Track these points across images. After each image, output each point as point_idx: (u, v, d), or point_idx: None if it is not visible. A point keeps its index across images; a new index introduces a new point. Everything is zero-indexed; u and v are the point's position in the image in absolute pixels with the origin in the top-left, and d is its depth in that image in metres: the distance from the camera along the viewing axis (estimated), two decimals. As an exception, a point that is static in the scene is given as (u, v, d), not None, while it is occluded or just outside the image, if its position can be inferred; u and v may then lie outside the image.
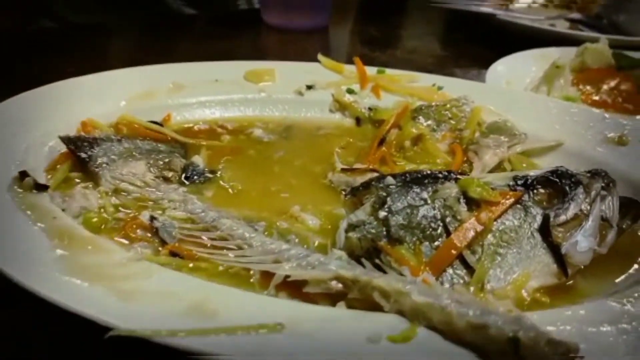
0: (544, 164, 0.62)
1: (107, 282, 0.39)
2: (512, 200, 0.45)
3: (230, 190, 0.56)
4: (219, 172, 0.58)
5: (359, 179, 0.56)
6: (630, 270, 0.47)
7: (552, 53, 0.94)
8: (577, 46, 0.94)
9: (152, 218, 0.49)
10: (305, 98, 0.72)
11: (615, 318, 0.39)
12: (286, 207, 0.53)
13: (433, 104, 0.68)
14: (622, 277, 0.47)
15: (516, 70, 0.87)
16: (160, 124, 0.66)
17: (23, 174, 0.50)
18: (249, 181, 0.58)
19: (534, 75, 0.88)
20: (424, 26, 1.14)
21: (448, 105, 0.68)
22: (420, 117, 0.67)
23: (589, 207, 0.46)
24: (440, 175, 0.49)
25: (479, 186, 0.46)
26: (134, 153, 0.58)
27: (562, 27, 1.10)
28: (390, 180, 0.48)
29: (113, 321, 0.35)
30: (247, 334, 0.35)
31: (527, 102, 0.70)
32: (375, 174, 0.56)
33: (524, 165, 0.62)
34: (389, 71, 0.76)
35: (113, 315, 0.35)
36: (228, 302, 0.38)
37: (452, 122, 0.67)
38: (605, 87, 0.85)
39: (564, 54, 0.93)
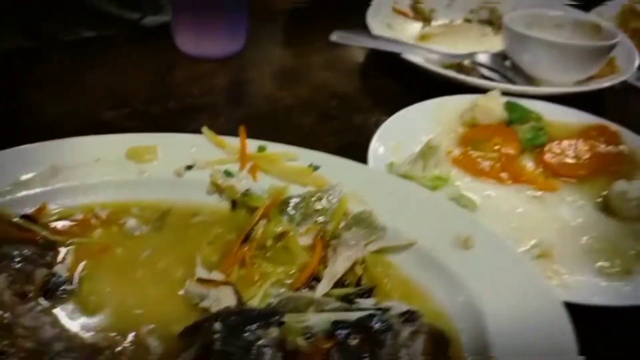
0: (397, 261, 0.67)
1: None
2: (322, 354, 0.50)
3: (86, 306, 0.59)
4: (81, 284, 0.61)
5: (213, 293, 0.60)
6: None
7: (447, 104, 0.96)
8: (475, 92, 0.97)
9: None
10: (184, 179, 0.74)
11: None
12: (138, 327, 0.57)
13: (303, 194, 0.71)
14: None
15: (407, 129, 0.89)
16: (33, 218, 0.67)
17: None
18: (110, 292, 0.61)
19: (427, 131, 0.91)
20: (342, 54, 1.14)
21: (316, 197, 0.71)
22: (289, 208, 0.70)
23: (396, 352, 0.51)
24: (267, 317, 0.52)
25: (294, 338, 0.50)
26: (-2, 263, 0.60)
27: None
28: (217, 326, 0.52)
29: None
30: None
31: (395, 189, 0.73)
32: (229, 290, 0.60)
33: (379, 268, 0.65)
34: (270, 146, 0.78)
35: None
36: None
37: (318, 214, 0.70)
38: (488, 149, 0.88)
39: (460, 105, 0.96)
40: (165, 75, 1.05)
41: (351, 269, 0.65)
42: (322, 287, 0.62)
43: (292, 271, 0.65)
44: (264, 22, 1.28)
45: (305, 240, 0.68)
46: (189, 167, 0.75)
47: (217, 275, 0.62)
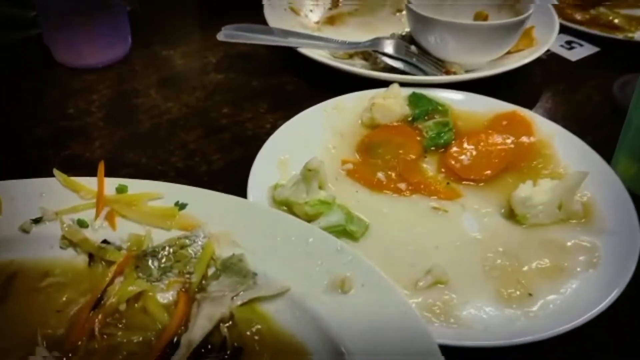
0: (270, 311, 0.60)
1: None
2: None
3: None
4: None
5: (49, 382, 0.52)
6: None
7: (345, 104, 0.87)
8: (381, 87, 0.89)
9: None
10: (32, 235, 0.65)
11: None
12: None
13: (160, 245, 0.63)
14: None
15: (299, 138, 0.81)
16: None
17: None
18: None
19: (322, 138, 0.83)
20: (238, 50, 1.04)
21: (176, 245, 0.63)
22: (149, 262, 0.62)
23: None
24: None
25: None
26: None
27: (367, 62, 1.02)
28: None
29: None
30: None
31: (270, 226, 0.65)
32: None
33: (253, 320, 0.58)
34: (132, 185, 0.69)
35: None
36: None
37: (180, 265, 0.62)
38: (388, 154, 0.80)
39: (358, 103, 0.88)
40: (37, 93, 0.95)
41: (216, 328, 0.58)
42: (178, 358, 0.55)
43: (152, 338, 0.57)
44: (155, 19, 1.17)
45: (166, 298, 0.61)
46: (37, 221, 0.66)
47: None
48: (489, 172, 0.78)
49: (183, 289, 0.61)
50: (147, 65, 1.03)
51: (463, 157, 0.79)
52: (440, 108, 0.88)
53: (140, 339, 0.57)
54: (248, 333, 0.58)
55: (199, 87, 0.98)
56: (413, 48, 0.99)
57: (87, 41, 0.99)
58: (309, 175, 0.70)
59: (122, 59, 1.04)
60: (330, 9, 1.21)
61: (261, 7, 1.09)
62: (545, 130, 0.84)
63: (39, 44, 1.02)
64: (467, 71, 0.98)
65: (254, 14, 1.08)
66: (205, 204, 0.67)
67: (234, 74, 1.02)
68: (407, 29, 1.05)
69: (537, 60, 1.01)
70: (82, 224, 0.66)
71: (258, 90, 0.99)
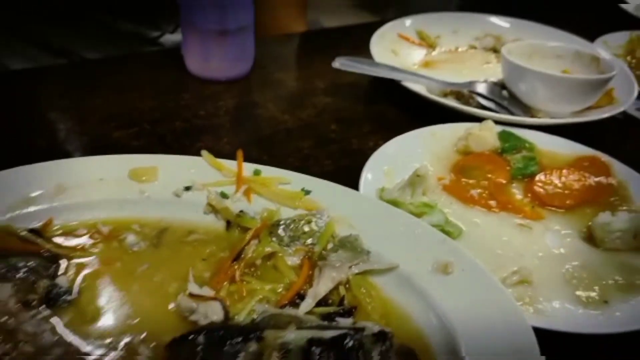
0: (379, 283, 0.70)
1: None
2: (295, 370, 0.53)
3: (85, 315, 0.63)
4: (81, 293, 0.65)
5: (201, 307, 0.64)
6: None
7: (442, 132, 0.99)
8: (472, 120, 1.00)
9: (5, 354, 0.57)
10: (182, 199, 0.78)
11: None
12: (131, 336, 0.61)
13: (293, 217, 0.75)
14: None
15: (400, 155, 0.93)
16: (39, 232, 0.72)
17: None
18: (107, 303, 0.65)
19: (420, 157, 0.94)
20: (345, 79, 1.18)
21: (304, 220, 0.75)
22: (278, 231, 0.74)
23: (365, 374, 0.54)
24: (246, 333, 0.56)
25: (272, 350, 0.54)
26: (5, 274, 0.65)
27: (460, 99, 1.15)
28: (200, 339, 0.56)
29: None
30: None
31: (382, 214, 0.76)
32: (217, 305, 0.63)
33: (362, 289, 0.69)
34: (265, 171, 0.82)
35: None
36: None
37: (306, 236, 0.74)
38: (479, 177, 0.91)
39: (454, 133, 0.99)
40: (174, 96, 1.10)
41: (335, 288, 0.68)
42: (306, 305, 0.65)
43: (279, 289, 0.68)
44: (271, 46, 1.33)
45: (293, 261, 0.72)
46: (187, 188, 0.79)
47: (207, 291, 0.66)
48: (570, 201, 0.88)
49: (307, 256, 0.72)
50: (265, 84, 1.18)
51: (548, 186, 0.89)
52: (527, 145, 0.98)
53: (272, 287, 0.68)
54: (361, 297, 0.68)
55: (310, 106, 1.12)
56: (504, 93, 1.11)
57: (219, 57, 1.15)
58: (417, 180, 0.81)
59: (244, 76, 1.19)
60: (426, 54, 1.35)
61: (364, 46, 1.24)
62: (623, 175, 0.94)
63: (172, 56, 1.20)
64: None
65: (355, 53, 1.22)
66: (326, 193, 0.79)
67: (340, 99, 1.16)
68: (497, 78, 1.17)
69: (613, 118, 1.11)
70: (224, 195, 0.79)
71: (362, 114, 1.12)
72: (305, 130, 1.05)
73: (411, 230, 0.74)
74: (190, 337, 0.57)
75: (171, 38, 1.47)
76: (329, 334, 0.57)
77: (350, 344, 0.55)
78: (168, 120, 1.03)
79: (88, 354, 0.58)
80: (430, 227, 0.74)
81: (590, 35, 1.45)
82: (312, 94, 1.17)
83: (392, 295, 0.69)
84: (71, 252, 0.71)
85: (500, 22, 1.47)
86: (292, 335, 0.57)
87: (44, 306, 0.63)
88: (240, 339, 0.56)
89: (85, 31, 1.41)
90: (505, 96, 1.10)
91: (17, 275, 0.65)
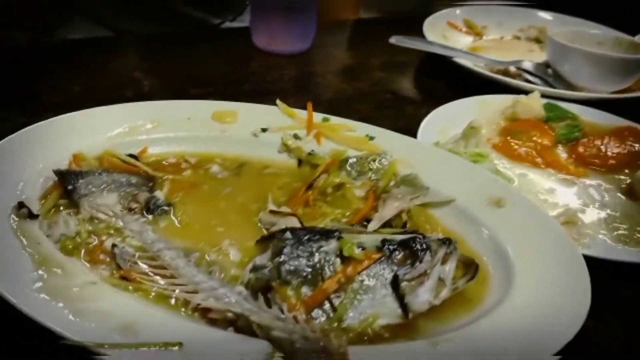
0: (437, 215, 0.78)
1: (67, 301, 0.56)
2: (371, 261, 0.61)
3: (179, 223, 0.73)
4: (174, 206, 0.75)
5: (281, 221, 0.72)
6: (463, 316, 0.63)
7: (491, 101, 1.07)
8: (517, 94, 1.08)
9: (114, 245, 0.66)
10: (259, 139, 0.87)
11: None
12: (219, 241, 0.70)
13: (359, 155, 0.83)
14: (455, 321, 0.62)
15: (452, 117, 1.00)
16: (137, 157, 0.82)
17: (20, 205, 0.67)
18: (197, 215, 0.74)
19: (467, 123, 1.02)
20: (397, 58, 1.27)
21: (370, 158, 0.83)
22: (347, 166, 0.82)
23: (431, 270, 0.62)
24: (327, 233, 0.64)
25: (351, 246, 0.62)
26: (110, 185, 0.74)
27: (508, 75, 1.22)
28: (288, 235, 0.64)
29: (66, 333, 0.52)
30: (152, 349, 0.52)
31: (438, 158, 0.84)
32: (294, 220, 0.72)
33: (422, 218, 0.77)
34: (332, 119, 0.90)
35: (67, 328, 0.52)
36: (149, 323, 0.55)
37: (371, 173, 0.82)
38: (526, 140, 0.98)
39: (502, 102, 1.07)
40: (242, 65, 1.20)
41: (398, 215, 0.76)
42: (373, 225, 0.73)
43: (348, 214, 0.77)
44: (329, 28, 1.43)
45: (359, 193, 0.80)
46: (264, 130, 0.88)
47: (285, 209, 0.75)
48: (612, 161, 0.94)
49: (372, 190, 0.80)
50: (324, 59, 1.28)
51: (590, 148, 0.96)
52: (570, 115, 1.05)
53: (341, 212, 0.77)
54: (421, 224, 0.76)
55: (366, 79, 1.21)
56: (549, 71, 1.18)
57: (283, 33, 1.25)
58: (471, 132, 0.89)
59: (305, 51, 1.29)
60: (473, 41, 1.43)
61: (414, 33, 1.32)
62: (661, 145, 1.00)
63: (240, 32, 1.30)
64: (592, 97, 1.16)
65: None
66: (388, 139, 0.87)
67: (394, 74, 1.24)
68: (542, 60, 1.25)
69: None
70: (296, 137, 0.88)
71: (413, 87, 1.21)
72: (362, 97, 1.13)
73: (466, 171, 0.82)
74: (277, 234, 0.65)
75: (230, 26, 1.58)
76: (399, 237, 0.65)
77: (419, 245, 0.63)
78: (238, 84, 1.13)
79: (186, 250, 0.67)
80: (483, 169, 0.82)
81: (631, 30, 1.51)
82: (367, 69, 1.26)
83: (449, 225, 0.76)
84: (164, 175, 0.80)
85: (544, 15, 1.55)
86: (367, 237, 0.65)
87: (144, 213, 0.73)
88: (321, 236, 0.64)
89: (150, 14, 1.52)
90: (550, 74, 1.18)
91: (121, 188, 0.75)
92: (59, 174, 0.74)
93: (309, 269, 0.61)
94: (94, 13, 1.45)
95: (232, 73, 1.17)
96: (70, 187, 0.72)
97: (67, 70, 1.11)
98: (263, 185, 0.81)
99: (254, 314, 0.56)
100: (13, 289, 0.55)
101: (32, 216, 0.66)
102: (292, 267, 0.61)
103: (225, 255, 0.68)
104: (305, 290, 0.60)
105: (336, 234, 0.64)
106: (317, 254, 0.62)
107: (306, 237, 0.64)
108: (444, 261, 0.63)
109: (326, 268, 0.61)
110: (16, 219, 0.65)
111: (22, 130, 0.77)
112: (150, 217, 0.72)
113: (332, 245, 0.63)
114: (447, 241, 0.64)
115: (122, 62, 1.16)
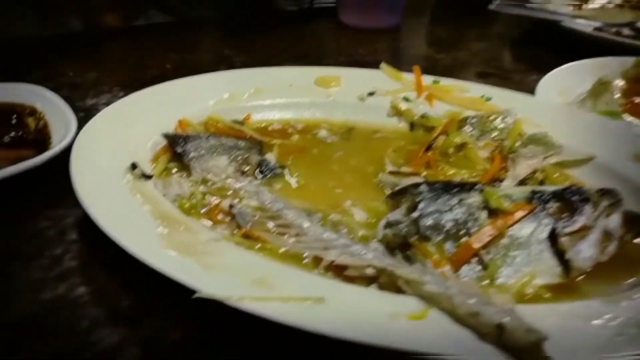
0: (575, 174, 0.70)
1: (195, 256, 0.51)
2: (525, 212, 0.54)
3: (294, 184, 0.68)
4: (287, 168, 0.70)
5: (404, 181, 0.66)
6: (632, 276, 0.55)
7: (609, 63, 0.98)
8: (636, 56, 0.98)
9: (231, 205, 0.61)
10: (366, 103, 0.82)
11: (601, 315, 0.47)
12: (339, 202, 0.64)
13: (479, 114, 0.76)
14: (624, 281, 0.54)
15: (570, 80, 0.92)
16: (242, 123, 0.78)
17: (134, 165, 0.63)
18: (311, 177, 0.69)
19: (588, 85, 0.93)
20: (493, 29, 1.19)
21: (492, 117, 0.76)
22: (466, 127, 0.75)
23: (594, 222, 0.54)
24: (467, 186, 0.58)
25: (498, 198, 0.55)
26: (218, 149, 0.71)
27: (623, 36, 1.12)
28: (423, 187, 0.58)
29: (199, 286, 0.47)
30: (295, 303, 0.46)
31: (568, 116, 0.76)
32: (419, 179, 0.66)
33: (557, 175, 0.69)
34: (443, 81, 0.84)
35: (199, 281, 0.48)
36: (283, 278, 0.50)
37: (495, 132, 0.75)
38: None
39: (621, 64, 0.98)
40: (331, 41, 1.16)
41: (531, 175, 0.69)
42: (507, 184, 0.66)
43: (474, 174, 0.70)
44: (417, 3, 1.37)
45: (482, 153, 0.73)
46: (371, 94, 0.83)
47: (407, 170, 0.68)
48: None
49: (497, 150, 0.73)
50: (416, 32, 1.22)
51: None
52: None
53: (467, 172, 0.70)
54: (558, 183, 0.68)
55: (464, 48, 1.14)
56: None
57: (372, 7, 1.20)
58: (600, 89, 0.81)
59: (394, 26, 1.23)
60: (574, 9, 1.34)
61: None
62: None
63: (324, 11, 1.26)
64: None
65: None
66: (506, 99, 0.80)
67: (493, 44, 1.17)
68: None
69: None
70: (407, 99, 0.82)
71: (516, 56, 1.13)
72: (462, 66, 1.06)
73: (602, 127, 0.74)
74: (410, 188, 0.59)
75: (317, 5, 1.54)
76: (550, 188, 0.57)
77: (577, 194, 0.55)
78: (330, 57, 1.08)
79: (308, 212, 0.61)
80: (623, 122, 0.73)
81: None
82: (463, 39, 1.19)
83: (591, 184, 0.68)
84: (271, 140, 0.76)
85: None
86: (512, 190, 0.58)
87: (256, 176, 0.68)
88: (461, 188, 0.57)
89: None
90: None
91: (231, 151, 0.71)
92: (169, 137, 0.71)
93: (451, 224, 0.55)
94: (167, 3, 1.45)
95: (322, 48, 1.13)
96: (180, 150, 0.69)
97: (159, 49, 1.09)
98: (375, 149, 0.75)
99: (400, 269, 0.50)
100: (141, 247, 0.51)
101: (145, 176, 0.63)
102: (431, 222, 0.55)
103: (349, 215, 0.62)
104: (448, 246, 0.54)
105: (478, 186, 0.58)
106: (458, 208, 0.56)
107: (444, 190, 0.57)
108: (608, 213, 0.55)
109: (470, 222, 0.55)
110: (131, 178, 0.62)
111: (128, 96, 0.75)
112: (262, 179, 0.68)
113: (474, 197, 0.56)
114: (609, 191, 0.56)
115: (211, 42, 1.13)
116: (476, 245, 0.53)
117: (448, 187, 0.58)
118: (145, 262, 0.49)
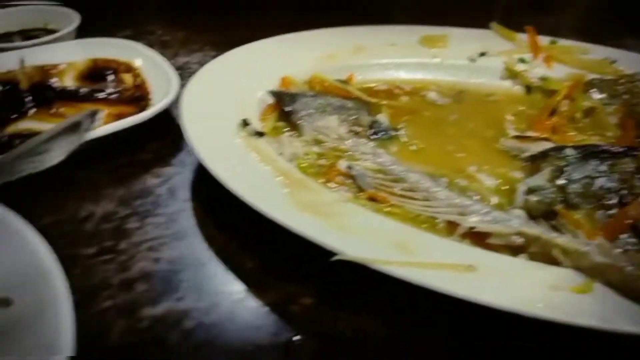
0: None
1: (325, 217, 0.48)
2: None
3: (411, 147, 0.63)
4: (401, 130, 0.66)
5: (532, 146, 0.61)
6: None
7: None
8: None
9: (349, 167, 0.58)
10: (476, 65, 0.76)
11: None
12: (462, 167, 0.59)
13: (606, 78, 0.70)
14: None
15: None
16: (345, 83, 0.73)
17: (245, 122, 0.60)
18: (427, 140, 0.64)
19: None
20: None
21: (622, 80, 0.69)
22: (593, 91, 0.69)
23: None
24: (617, 151, 0.52)
25: (660, 163, 0.50)
26: (327, 108, 0.67)
27: None
28: (569, 151, 0.53)
29: (338, 248, 0.44)
30: (444, 270, 0.42)
31: None
32: (549, 143, 0.60)
33: None
34: (560, 42, 0.78)
35: (337, 243, 0.44)
36: (424, 243, 0.46)
37: (626, 96, 0.68)
38: None
39: None
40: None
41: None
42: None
43: (604, 141, 0.64)
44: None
45: (612, 119, 0.67)
46: (482, 54, 0.77)
47: (532, 134, 0.63)
48: None
49: (629, 114, 0.67)
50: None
51: None
52: None
53: (599, 138, 0.64)
54: None
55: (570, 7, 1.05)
56: None
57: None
58: None
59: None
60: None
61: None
62: None
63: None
64: None
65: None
66: (634, 62, 0.73)
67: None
68: None
69: None
70: (522, 61, 0.76)
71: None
72: (571, 27, 0.99)
73: None
74: (552, 152, 0.54)
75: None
76: None
77: None
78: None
79: (432, 175, 0.57)
80: None
81: None
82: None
83: None
84: (379, 101, 0.71)
85: None
86: (670, 155, 0.52)
87: (369, 137, 0.64)
88: (611, 154, 0.52)
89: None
90: None
91: (340, 111, 0.67)
92: (275, 94, 0.67)
93: (602, 191, 0.50)
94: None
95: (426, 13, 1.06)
96: (289, 109, 0.65)
97: (248, 8, 1.05)
98: (491, 113, 0.70)
99: (558, 238, 0.45)
100: (270, 207, 0.47)
101: (258, 134, 0.60)
102: (580, 189, 0.50)
103: (476, 181, 0.57)
104: (600, 216, 0.49)
105: (630, 151, 0.52)
106: (610, 174, 0.50)
107: (592, 155, 0.52)
108: None
109: (625, 190, 0.49)
110: (244, 135, 0.59)
111: (228, 53, 0.72)
112: (376, 141, 0.64)
113: (628, 163, 0.51)
114: None
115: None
116: (634, 215, 0.48)
117: (596, 152, 0.52)
118: (279, 223, 0.46)
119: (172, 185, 0.60)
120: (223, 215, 0.55)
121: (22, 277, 0.39)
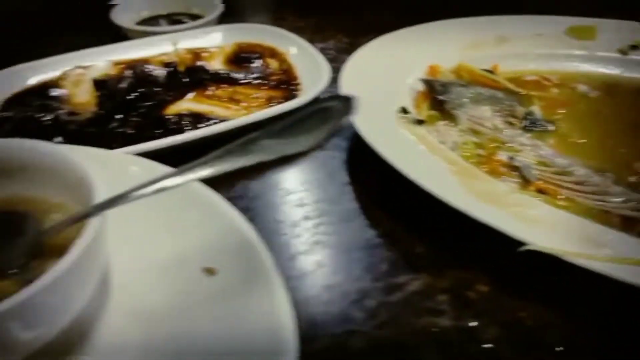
0: None
1: (504, 207, 0.48)
2: None
3: (569, 140, 0.62)
4: (556, 123, 0.64)
5: None
6: None
7: None
8: None
9: (511, 157, 0.57)
10: (628, 57, 0.74)
11: None
12: (628, 162, 0.58)
13: None
14: None
15: None
16: (491, 73, 0.73)
17: (404, 109, 0.61)
18: (585, 134, 0.63)
19: None
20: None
21: None
22: None
23: None
24: None
25: None
26: (479, 98, 0.67)
27: None
28: None
29: (529, 238, 0.44)
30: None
31: None
32: None
33: None
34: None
35: (524, 234, 0.44)
36: (611, 238, 0.45)
37: None
38: None
39: None
40: None
41: None
42: None
43: None
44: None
45: None
46: (634, 47, 0.74)
47: None
48: None
49: None
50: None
51: None
52: None
53: None
54: None
55: None
56: None
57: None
58: None
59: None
60: None
61: None
62: None
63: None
64: None
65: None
66: None
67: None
68: None
69: None
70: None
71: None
72: None
73: None
74: None
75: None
76: None
77: None
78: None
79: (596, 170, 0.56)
80: None
81: None
82: None
83: None
84: (528, 92, 0.70)
85: None
86: None
87: (523, 129, 0.63)
88: None
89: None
90: None
91: (492, 102, 0.66)
92: (427, 83, 0.68)
93: None
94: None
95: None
96: (442, 98, 0.65)
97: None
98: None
99: None
100: (452, 196, 0.48)
101: (418, 121, 0.60)
102: None
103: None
104: None
105: None
106: None
107: None
108: None
109: None
110: (403, 122, 0.60)
111: (376, 40, 0.73)
112: (532, 133, 0.63)
113: None
114: None
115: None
116: None
117: None
118: (462, 211, 0.46)
119: (331, 169, 0.61)
120: (384, 199, 0.56)
121: (226, 251, 0.41)
